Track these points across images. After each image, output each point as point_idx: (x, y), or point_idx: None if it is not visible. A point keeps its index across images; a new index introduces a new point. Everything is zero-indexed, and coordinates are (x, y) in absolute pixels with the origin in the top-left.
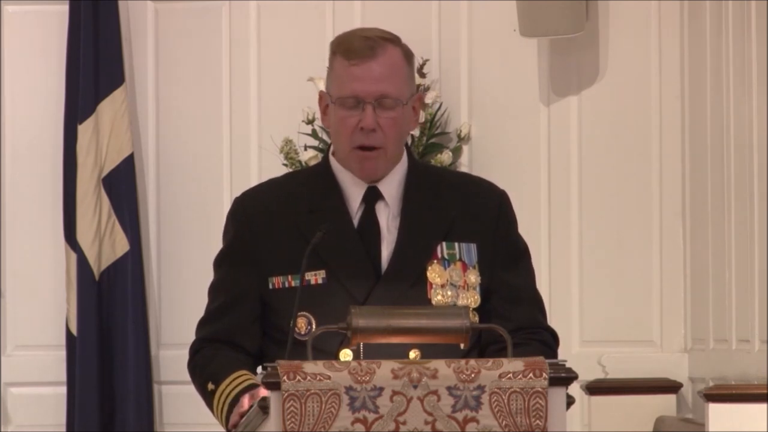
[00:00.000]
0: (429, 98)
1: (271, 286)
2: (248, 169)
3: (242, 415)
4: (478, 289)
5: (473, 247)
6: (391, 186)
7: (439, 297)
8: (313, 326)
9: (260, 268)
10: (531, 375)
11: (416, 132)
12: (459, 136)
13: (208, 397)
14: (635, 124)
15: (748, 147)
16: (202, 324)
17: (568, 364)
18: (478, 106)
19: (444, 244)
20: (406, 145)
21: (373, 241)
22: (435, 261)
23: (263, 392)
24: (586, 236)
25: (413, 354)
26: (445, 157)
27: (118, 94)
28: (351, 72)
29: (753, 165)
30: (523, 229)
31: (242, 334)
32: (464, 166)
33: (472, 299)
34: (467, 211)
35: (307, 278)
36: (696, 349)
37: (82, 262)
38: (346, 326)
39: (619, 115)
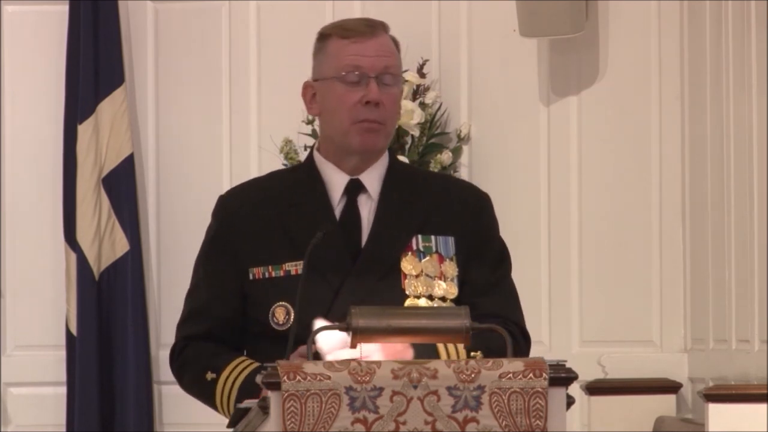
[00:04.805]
0: (429, 98)
1: (251, 277)
2: (248, 169)
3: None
4: (455, 281)
5: (450, 240)
6: (373, 179)
7: (413, 287)
8: (291, 316)
9: (240, 261)
10: (531, 375)
11: (416, 132)
12: (459, 136)
13: (207, 388)
14: (635, 124)
15: (748, 147)
16: (183, 323)
17: (568, 364)
18: (478, 106)
19: (420, 236)
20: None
21: (354, 233)
22: (410, 253)
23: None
24: (586, 236)
25: None
26: (445, 158)
27: (118, 94)
28: (352, 48)
29: (753, 165)
30: (522, 230)
31: (225, 329)
32: (464, 166)
33: (449, 290)
34: (445, 206)
35: (287, 269)
36: (696, 350)
37: (82, 262)
38: (347, 326)
39: (619, 115)
